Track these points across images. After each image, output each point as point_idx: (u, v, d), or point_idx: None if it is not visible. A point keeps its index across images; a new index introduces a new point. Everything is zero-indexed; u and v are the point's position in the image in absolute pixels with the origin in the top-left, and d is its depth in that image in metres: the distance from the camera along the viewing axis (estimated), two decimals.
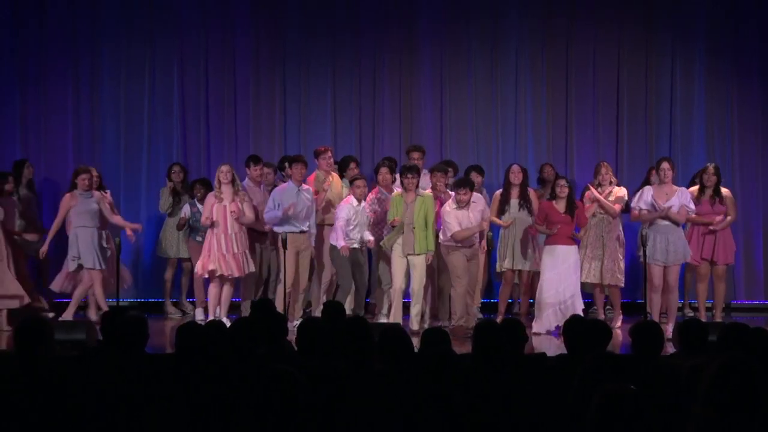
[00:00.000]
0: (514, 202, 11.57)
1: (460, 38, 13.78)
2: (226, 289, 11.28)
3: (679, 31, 13.67)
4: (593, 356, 4.87)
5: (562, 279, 10.83)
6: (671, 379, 5.26)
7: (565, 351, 6.35)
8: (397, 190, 11.16)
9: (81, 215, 11.31)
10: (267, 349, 6.33)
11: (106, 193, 11.84)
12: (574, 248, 10.95)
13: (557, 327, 10.57)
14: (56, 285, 11.53)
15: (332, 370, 4.92)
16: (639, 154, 13.56)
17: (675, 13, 13.68)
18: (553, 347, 9.62)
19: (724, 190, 11.55)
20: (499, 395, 5.26)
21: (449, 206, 10.94)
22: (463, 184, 11.05)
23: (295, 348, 6.40)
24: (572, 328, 6.32)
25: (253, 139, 13.74)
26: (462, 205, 10.84)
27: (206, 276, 11.29)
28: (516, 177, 11.61)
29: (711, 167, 11.50)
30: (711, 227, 11.34)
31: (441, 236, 10.97)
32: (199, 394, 5.28)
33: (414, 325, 10.83)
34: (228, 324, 7.07)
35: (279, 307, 10.82)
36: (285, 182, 11.67)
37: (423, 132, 13.77)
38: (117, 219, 11.70)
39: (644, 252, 10.51)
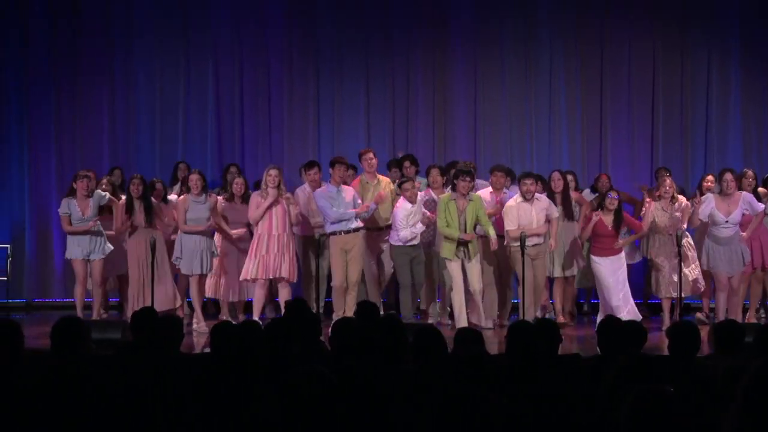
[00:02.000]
0: (558, 209, 11.48)
1: (493, 38, 13.77)
2: (283, 291, 11.20)
3: (714, 29, 13.60)
4: (626, 357, 4.85)
5: (622, 286, 10.83)
6: (705, 380, 5.23)
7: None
8: (446, 191, 11.20)
9: (189, 220, 11.21)
10: (301, 349, 6.35)
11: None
12: (621, 256, 10.97)
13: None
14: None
15: (366, 370, 4.93)
16: (674, 155, 13.48)
17: (709, 11, 13.60)
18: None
19: (761, 190, 11.50)
20: (533, 396, 5.25)
21: (514, 201, 11.06)
22: (528, 175, 11.20)
23: (329, 348, 6.41)
24: (607, 329, 6.30)
25: (286, 139, 13.79)
26: (528, 196, 10.92)
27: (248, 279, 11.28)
28: (557, 185, 11.56)
29: (750, 172, 11.49)
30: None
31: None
32: (232, 393, 5.30)
33: (484, 322, 10.98)
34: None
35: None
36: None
37: (456, 132, 13.77)
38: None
39: (679, 252, 10.48)
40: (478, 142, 13.74)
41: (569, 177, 11.86)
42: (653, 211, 11.22)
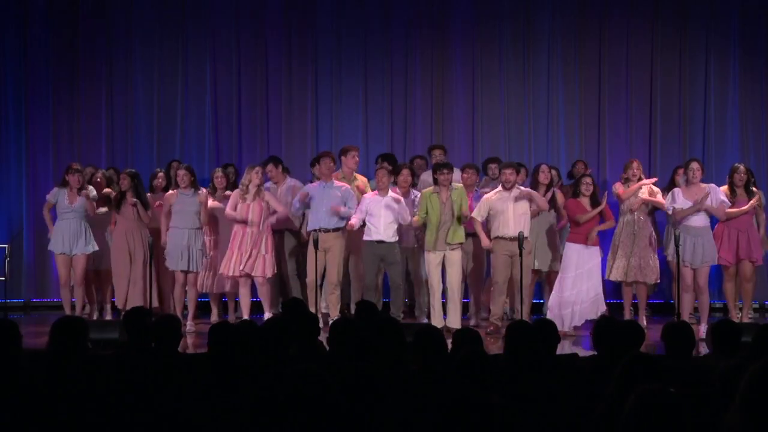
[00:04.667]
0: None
1: (492, 36, 13.76)
2: (262, 290, 11.14)
3: (714, 29, 13.57)
4: (631, 357, 4.84)
5: (586, 279, 10.78)
6: (705, 380, 5.23)
7: (588, 351, 6.34)
8: (430, 188, 11.16)
9: (174, 215, 11.22)
10: (298, 349, 6.34)
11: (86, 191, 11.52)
12: (596, 249, 10.93)
13: (574, 327, 10.84)
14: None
15: (364, 371, 4.92)
16: (672, 154, 13.45)
17: (709, 10, 13.58)
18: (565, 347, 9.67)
19: (756, 191, 11.46)
20: (531, 396, 5.25)
21: (493, 194, 11.00)
22: (509, 165, 11.16)
23: (327, 348, 6.40)
24: (604, 329, 6.29)
25: (284, 138, 13.77)
26: (507, 185, 10.90)
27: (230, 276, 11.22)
28: (545, 177, 11.54)
29: (742, 167, 11.40)
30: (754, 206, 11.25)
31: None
32: (230, 393, 5.29)
33: (455, 322, 10.85)
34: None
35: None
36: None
37: (454, 131, 13.76)
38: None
39: (678, 251, 10.43)
40: (477, 140, 13.73)
41: (552, 172, 11.85)
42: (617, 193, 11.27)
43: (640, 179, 11.32)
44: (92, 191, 11.53)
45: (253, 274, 11.05)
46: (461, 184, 11.18)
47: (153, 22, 13.86)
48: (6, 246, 13.21)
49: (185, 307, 11.45)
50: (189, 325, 11.06)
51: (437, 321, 10.81)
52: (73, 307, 11.47)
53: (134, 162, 13.45)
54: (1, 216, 13.64)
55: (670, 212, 10.95)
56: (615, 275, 11.19)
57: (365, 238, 11.18)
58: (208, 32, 13.85)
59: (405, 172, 11.52)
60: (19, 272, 13.47)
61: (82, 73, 13.80)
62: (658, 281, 11.50)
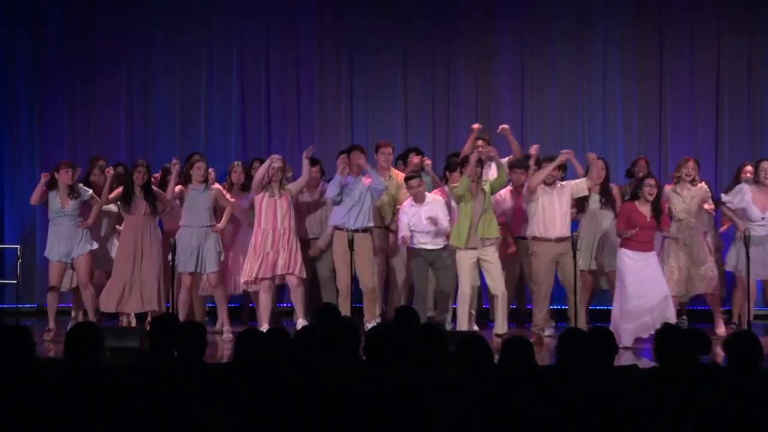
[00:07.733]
0: (594, 197, 11.44)
1: (543, 22, 13.69)
2: (297, 291, 11.10)
3: None
4: (695, 369, 4.81)
5: (647, 283, 10.67)
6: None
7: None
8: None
9: (185, 212, 11.26)
10: (332, 358, 6.34)
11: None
12: (652, 253, 10.82)
13: (650, 335, 10.58)
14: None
15: (403, 380, 4.92)
16: (741, 150, 13.28)
17: None
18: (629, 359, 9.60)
19: None
20: (586, 410, 5.23)
21: (540, 190, 11.00)
22: (550, 159, 11.14)
23: (363, 356, 6.40)
24: (666, 338, 6.24)
25: (317, 132, 13.74)
26: (549, 181, 10.91)
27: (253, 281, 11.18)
28: (599, 174, 11.47)
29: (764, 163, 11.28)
30: None
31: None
32: (257, 404, 5.32)
33: (501, 328, 10.83)
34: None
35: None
36: None
37: (501, 124, 13.68)
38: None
39: (747, 253, 10.29)
40: (525, 135, 13.55)
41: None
42: (668, 196, 11.17)
43: (693, 180, 11.20)
44: (86, 193, 11.45)
45: (290, 272, 11.05)
46: (490, 179, 11.13)
47: (174, 7, 13.91)
48: (18, 246, 13.33)
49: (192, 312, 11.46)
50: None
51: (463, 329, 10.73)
52: (61, 313, 11.63)
53: (155, 158, 13.49)
54: (13, 216, 13.76)
55: (729, 205, 10.87)
56: (672, 290, 11.08)
57: (412, 245, 11.23)
58: (234, 17, 13.88)
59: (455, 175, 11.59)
60: (32, 275, 13.56)
61: (98, 64, 13.85)
62: (716, 292, 11.41)
